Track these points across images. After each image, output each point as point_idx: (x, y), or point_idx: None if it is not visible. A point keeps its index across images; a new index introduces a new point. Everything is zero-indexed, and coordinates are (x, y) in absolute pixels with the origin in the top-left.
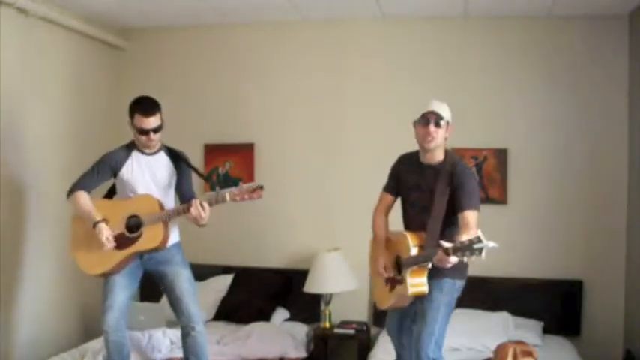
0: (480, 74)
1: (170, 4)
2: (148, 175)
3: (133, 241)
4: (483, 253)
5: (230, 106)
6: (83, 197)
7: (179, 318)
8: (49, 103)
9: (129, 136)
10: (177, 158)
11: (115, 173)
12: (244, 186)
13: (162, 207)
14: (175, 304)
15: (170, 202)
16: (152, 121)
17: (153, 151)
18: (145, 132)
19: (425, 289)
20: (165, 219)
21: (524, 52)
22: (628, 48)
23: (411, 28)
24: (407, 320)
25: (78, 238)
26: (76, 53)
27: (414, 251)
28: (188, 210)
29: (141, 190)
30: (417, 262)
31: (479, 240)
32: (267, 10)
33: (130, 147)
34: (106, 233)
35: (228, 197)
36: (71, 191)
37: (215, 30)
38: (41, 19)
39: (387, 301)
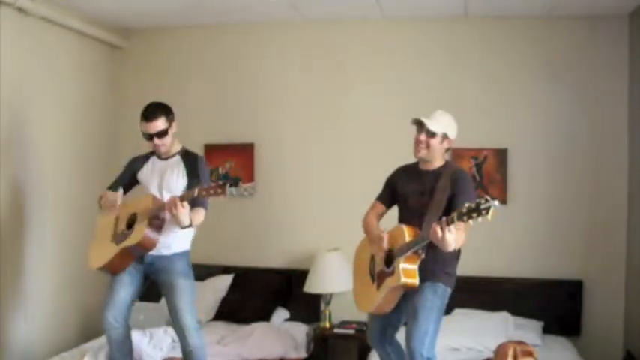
0: (479, 74)
1: (170, 5)
2: (158, 180)
3: (127, 237)
4: (490, 213)
5: (230, 106)
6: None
7: (174, 327)
8: (49, 103)
9: (128, 136)
10: (190, 163)
11: (135, 175)
12: (212, 183)
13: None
14: (171, 314)
15: None
16: (153, 126)
17: (167, 155)
18: (149, 137)
19: (416, 280)
20: (149, 216)
21: (524, 53)
22: (628, 48)
23: (411, 29)
24: (390, 329)
25: (94, 236)
26: (76, 53)
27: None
28: (166, 207)
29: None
30: (416, 244)
31: (486, 200)
32: (267, 10)
33: (152, 152)
34: (109, 192)
35: (196, 192)
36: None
37: (215, 30)
38: (41, 19)
39: (374, 300)
